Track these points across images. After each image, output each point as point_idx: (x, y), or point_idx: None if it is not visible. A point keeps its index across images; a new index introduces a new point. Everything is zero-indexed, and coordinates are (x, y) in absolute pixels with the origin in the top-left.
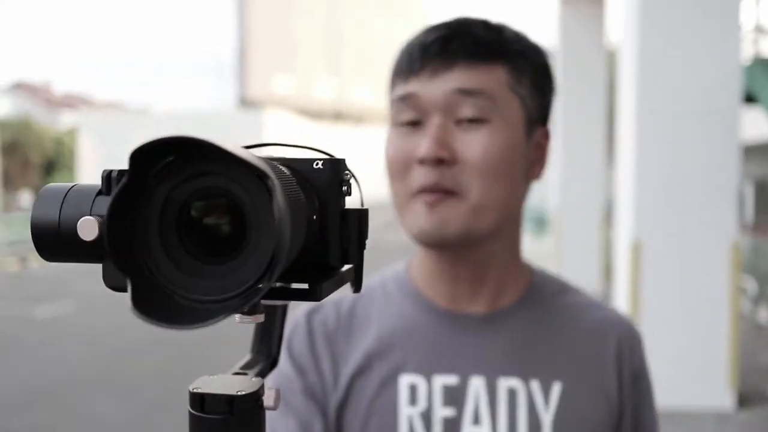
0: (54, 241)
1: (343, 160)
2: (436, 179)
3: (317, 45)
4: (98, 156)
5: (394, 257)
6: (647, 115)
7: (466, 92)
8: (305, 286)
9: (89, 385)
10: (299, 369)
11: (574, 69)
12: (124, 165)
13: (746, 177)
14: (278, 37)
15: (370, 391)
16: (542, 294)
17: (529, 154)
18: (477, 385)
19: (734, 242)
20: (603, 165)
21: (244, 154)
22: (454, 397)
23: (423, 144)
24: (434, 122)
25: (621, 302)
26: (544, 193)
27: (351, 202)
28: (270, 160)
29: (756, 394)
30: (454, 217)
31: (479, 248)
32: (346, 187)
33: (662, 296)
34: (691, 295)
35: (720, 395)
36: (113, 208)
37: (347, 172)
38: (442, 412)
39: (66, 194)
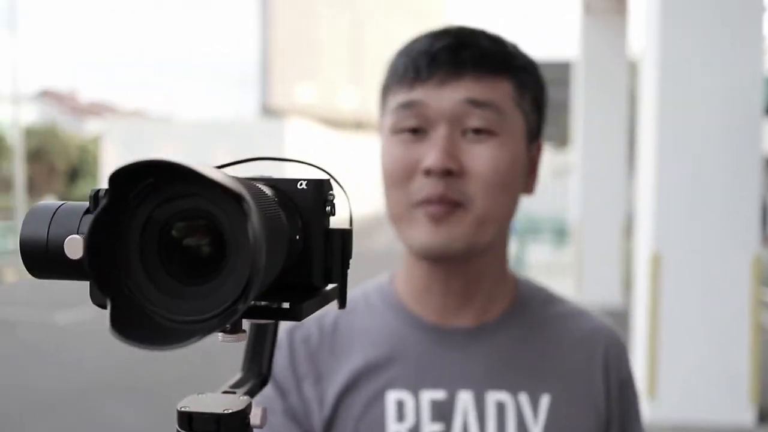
0: (42, 258)
1: (328, 180)
2: (443, 190)
3: (340, 54)
4: (121, 163)
5: None
6: (668, 126)
7: (475, 103)
8: (288, 304)
9: (109, 391)
10: (280, 390)
11: (596, 79)
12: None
13: None
14: (301, 46)
15: (357, 408)
16: (529, 305)
17: (526, 168)
18: (465, 399)
19: (756, 255)
20: (624, 176)
21: (220, 177)
22: (443, 412)
23: (431, 154)
24: (441, 132)
25: (640, 315)
26: (565, 204)
27: (338, 221)
28: (253, 180)
29: None
30: (460, 231)
31: (474, 261)
32: (329, 207)
33: (682, 309)
34: (711, 309)
35: (741, 411)
36: (93, 229)
37: (331, 192)
38: (430, 428)
39: (54, 213)
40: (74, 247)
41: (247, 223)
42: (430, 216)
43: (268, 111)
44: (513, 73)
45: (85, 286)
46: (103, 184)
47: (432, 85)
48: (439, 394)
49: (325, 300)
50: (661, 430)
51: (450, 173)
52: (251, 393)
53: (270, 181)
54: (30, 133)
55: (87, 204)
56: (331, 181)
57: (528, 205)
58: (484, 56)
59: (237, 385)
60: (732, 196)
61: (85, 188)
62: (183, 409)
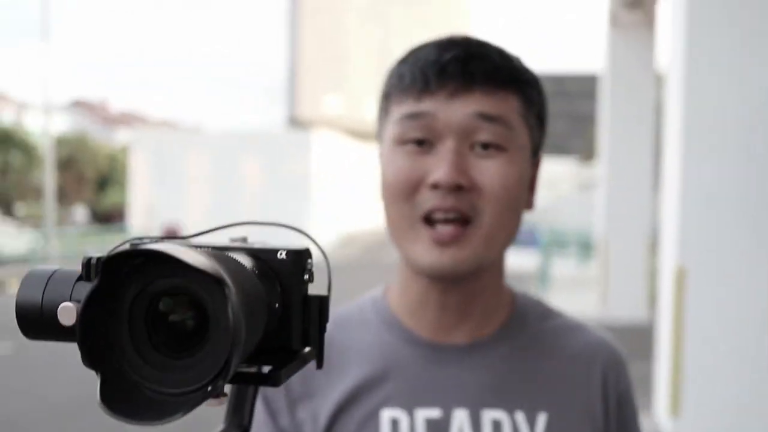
0: (37, 322)
1: (307, 250)
2: (453, 204)
3: (368, 66)
4: (149, 173)
5: None
6: (693, 139)
7: (485, 117)
8: (267, 368)
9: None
10: (271, 412)
11: (622, 92)
12: (174, 183)
13: None
14: (329, 58)
15: (351, 427)
16: (525, 321)
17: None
18: (461, 417)
19: None
20: (650, 190)
21: (203, 262)
22: (438, 430)
23: (440, 168)
24: (449, 146)
25: (664, 330)
26: (591, 218)
27: (315, 287)
28: (235, 250)
29: None
30: (470, 251)
31: (472, 277)
32: (308, 276)
33: (707, 324)
34: (738, 323)
35: None
36: (85, 308)
37: (310, 261)
38: None
39: (48, 279)
40: (67, 314)
41: (228, 305)
42: (435, 241)
43: (296, 122)
44: (520, 87)
45: None
46: (132, 193)
47: (441, 97)
48: (434, 413)
49: (303, 362)
50: None
51: (459, 188)
52: None
53: (251, 251)
54: (61, 142)
55: (79, 271)
56: (310, 238)
57: (553, 219)
58: (494, 69)
59: None
60: (759, 209)
61: (113, 197)
62: None
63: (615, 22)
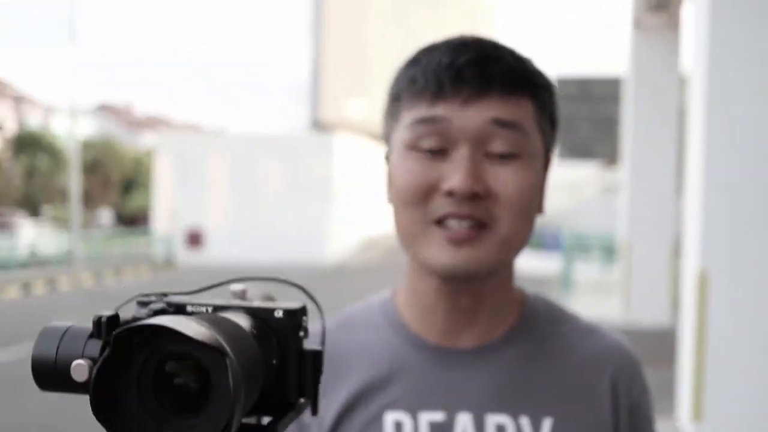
0: (51, 377)
1: (302, 308)
2: (469, 211)
3: (391, 69)
4: (173, 176)
5: None
6: (716, 142)
7: (501, 123)
8: (266, 419)
9: None
10: None
11: (646, 96)
12: (198, 185)
13: None
14: (352, 61)
15: (356, 428)
16: (534, 324)
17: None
18: (464, 421)
19: None
20: (674, 194)
21: (206, 335)
22: None
23: (455, 176)
24: (465, 153)
25: (686, 335)
26: (614, 221)
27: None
28: (235, 309)
29: None
30: (485, 253)
31: (482, 280)
32: (303, 332)
33: (730, 328)
34: (760, 329)
35: None
36: (98, 376)
37: (305, 318)
38: None
39: (62, 336)
40: (80, 371)
41: (228, 373)
42: (450, 240)
43: (319, 125)
44: (535, 91)
45: (132, 296)
46: (156, 196)
47: (456, 102)
48: (438, 416)
49: (299, 412)
50: None
51: (475, 196)
52: None
53: (250, 310)
54: (87, 145)
55: (91, 328)
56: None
57: (576, 223)
58: (509, 74)
59: None
60: None
61: (138, 200)
62: None
63: (639, 24)
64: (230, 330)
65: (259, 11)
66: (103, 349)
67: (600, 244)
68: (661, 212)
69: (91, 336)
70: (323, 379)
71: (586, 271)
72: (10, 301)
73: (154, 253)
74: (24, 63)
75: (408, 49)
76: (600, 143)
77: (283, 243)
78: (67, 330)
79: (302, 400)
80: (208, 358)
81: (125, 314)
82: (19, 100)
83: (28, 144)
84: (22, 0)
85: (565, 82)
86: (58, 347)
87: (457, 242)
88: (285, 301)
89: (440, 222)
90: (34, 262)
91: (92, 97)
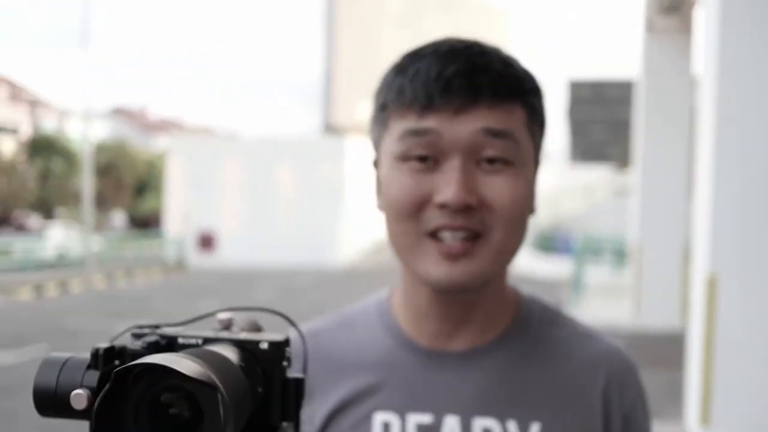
0: (51, 404)
1: (286, 340)
2: (463, 223)
3: None
4: (185, 179)
5: None
6: (725, 145)
7: (492, 133)
8: None
9: None
10: None
11: (658, 99)
12: (210, 189)
13: None
14: (364, 65)
15: (345, 428)
16: (527, 327)
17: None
18: (451, 424)
19: None
20: (685, 198)
21: (198, 371)
22: None
23: (448, 188)
24: (456, 164)
25: (695, 338)
26: (625, 225)
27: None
28: (223, 341)
29: None
30: (479, 265)
31: (478, 289)
32: (286, 362)
33: (739, 332)
34: None
35: None
36: (98, 411)
37: (288, 349)
38: None
39: (62, 366)
40: (79, 400)
41: (219, 405)
42: (444, 253)
43: (331, 129)
44: (525, 98)
45: (142, 297)
46: (168, 199)
47: (446, 113)
48: (426, 418)
49: None
50: None
51: (468, 208)
52: None
53: (238, 342)
54: (101, 148)
55: (88, 359)
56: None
57: (588, 226)
58: (499, 82)
59: None
60: None
61: (151, 203)
62: None
63: (651, 27)
64: (220, 364)
65: (272, 16)
66: (100, 380)
67: (611, 247)
68: (672, 216)
69: (89, 367)
70: (318, 378)
71: (597, 274)
72: (23, 303)
73: (166, 256)
74: (39, 67)
75: None
76: (613, 146)
77: (295, 246)
78: (66, 361)
79: (285, 423)
80: (200, 392)
81: (120, 344)
82: (34, 104)
83: (42, 147)
84: (37, 5)
85: (578, 86)
86: (58, 377)
87: (452, 256)
88: (271, 332)
89: (433, 234)
90: (62, 263)
91: (107, 100)
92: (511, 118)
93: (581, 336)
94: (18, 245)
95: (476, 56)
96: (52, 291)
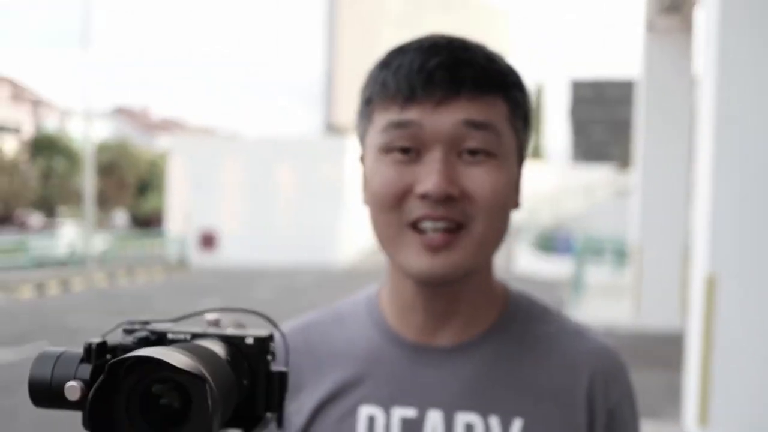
0: (46, 396)
1: (270, 335)
2: (444, 213)
3: None
4: (187, 179)
5: None
6: (725, 145)
7: (473, 125)
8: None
9: None
10: None
11: (658, 99)
12: (211, 188)
13: None
14: (366, 65)
15: (331, 421)
16: (513, 323)
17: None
18: (434, 419)
19: None
20: (685, 198)
21: (188, 363)
22: (412, 430)
23: (429, 179)
24: (437, 155)
25: (694, 339)
26: (626, 225)
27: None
28: (210, 337)
29: None
30: (461, 256)
31: (461, 281)
32: (270, 357)
33: (738, 332)
34: None
35: None
36: (92, 402)
37: (272, 344)
38: None
39: (57, 360)
40: (73, 392)
41: (207, 397)
42: (426, 245)
43: (332, 128)
44: (507, 91)
45: (143, 296)
46: (170, 198)
47: (428, 105)
48: (410, 412)
49: (266, 425)
50: None
51: (449, 198)
52: None
53: (224, 338)
54: (103, 148)
55: (81, 353)
56: (271, 323)
57: (589, 226)
58: (481, 75)
59: None
60: None
61: (153, 202)
62: None
63: (651, 27)
64: (208, 358)
65: (273, 16)
66: (93, 373)
67: (612, 247)
68: (672, 216)
69: (82, 360)
70: (307, 371)
71: (598, 274)
72: (24, 301)
73: (168, 255)
74: (41, 67)
75: None
76: (614, 146)
77: (296, 245)
78: (60, 355)
79: (269, 414)
80: (190, 383)
81: (112, 340)
82: (36, 103)
83: (44, 146)
84: (38, 5)
85: (580, 85)
86: (53, 370)
87: (433, 248)
88: (255, 328)
89: (415, 224)
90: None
91: (109, 100)
92: (493, 111)
93: (569, 333)
94: (32, 243)
95: (459, 50)
96: (53, 289)
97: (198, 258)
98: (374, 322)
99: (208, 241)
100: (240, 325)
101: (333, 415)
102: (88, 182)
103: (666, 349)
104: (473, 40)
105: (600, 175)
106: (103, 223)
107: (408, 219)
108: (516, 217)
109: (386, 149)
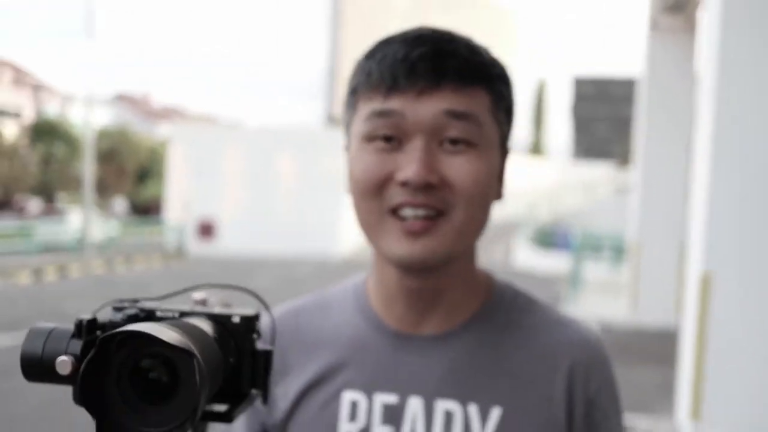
0: (38, 370)
1: (256, 315)
2: (422, 200)
3: None
4: (186, 167)
5: None
6: (723, 143)
7: (454, 115)
8: (222, 408)
9: None
10: None
11: (660, 98)
12: (211, 177)
13: None
14: None
15: (316, 405)
16: (496, 313)
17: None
18: (415, 405)
19: None
20: (685, 197)
21: (177, 339)
22: (393, 416)
23: (409, 167)
24: (418, 144)
25: (688, 335)
26: (626, 222)
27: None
28: (198, 315)
29: None
30: (440, 242)
31: (443, 269)
32: (256, 334)
33: (730, 330)
34: (762, 330)
35: None
36: (84, 372)
37: (257, 323)
38: (380, 431)
39: (48, 335)
40: (64, 366)
41: (195, 372)
42: (406, 231)
43: (333, 120)
44: (490, 82)
45: (141, 283)
46: (169, 186)
47: (410, 95)
48: (392, 398)
49: (251, 401)
50: None
51: (429, 186)
52: None
53: (212, 316)
54: (103, 134)
55: (72, 329)
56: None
57: (589, 222)
58: (463, 66)
59: None
60: None
61: (153, 189)
62: None
63: (655, 25)
64: (196, 334)
65: (277, 6)
66: (84, 348)
67: (611, 244)
68: (671, 214)
69: (73, 336)
70: (294, 355)
71: (596, 270)
72: (22, 287)
73: (166, 243)
74: (43, 52)
75: None
76: (615, 144)
77: (295, 236)
78: (52, 330)
79: (254, 391)
80: (178, 358)
81: (102, 317)
82: (37, 88)
83: (45, 132)
84: None
85: (583, 83)
86: (44, 345)
87: (413, 234)
88: (242, 306)
89: (395, 211)
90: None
91: (111, 87)
92: (474, 102)
93: (553, 323)
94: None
95: (443, 42)
96: (51, 275)
97: (196, 247)
98: (360, 310)
99: (206, 230)
100: (227, 305)
101: (318, 399)
102: (88, 168)
103: (661, 346)
104: (460, 34)
105: (601, 172)
106: (102, 210)
107: (389, 205)
108: (515, 212)
109: (369, 138)
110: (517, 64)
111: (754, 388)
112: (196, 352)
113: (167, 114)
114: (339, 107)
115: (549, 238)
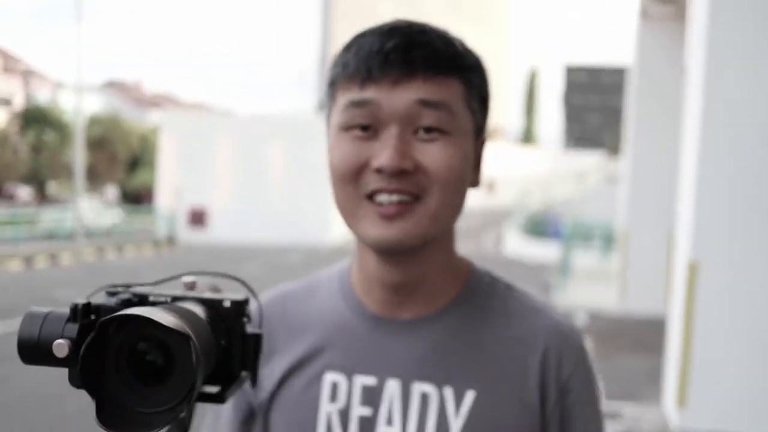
0: (34, 353)
1: (246, 299)
2: (397, 186)
3: None
4: (178, 154)
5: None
6: (711, 133)
7: (427, 104)
8: (214, 389)
9: None
10: None
11: (649, 87)
12: (203, 165)
13: None
14: None
15: (299, 385)
16: (474, 298)
17: (473, 163)
18: (392, 387)
19: None
20: (674, 186)
21: (173, 322)
22: (371, 397)
23: (383, 154)
24: (393, 132)
25: (675, 323)
26: (614, 212)
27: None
28: (191, 300)
29: None
30: (414, 225)
31: (420, 254)
32: (246, 318)
33: (717, 318)
34: (747, 319)
35: None
36: (83, 358)
37: (247, 307)
38: (359, 411)
39: (44, 319)
40: (60, 349)
41: (192, 354)
42: (381, 214)
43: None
44: (462, 72)
45: (132, 270)
46: (160, 174)
47: (384, 85)
48: (370, 380)
49: (242, 382)
50: None
51: (403, 173)
52: None
53: (204, 301)
54: (94, 121)
55: (67, 313)
56: (246, 287)
57: (580, 211)
58: (435, 56)
59: None
60: None
61: (144, 177)
62: None
63: (645, 14)
64: (191, 318)
65: (269, 3)
66: (81, 331)
67: (601, 233)
68: (660, 203)
69: (69, 320)
70: (280, 337)
71: (586, 259)
72: (13, 274)
73: (157, 231)
74: (34, 39)
75: None
76: (607, 133)
77: (286, 224)
78: (47, 314)
79: (244, 373)
80: (174, 341)
81: (96, 301)
82: (28, 74)
83: (35, 119)
84: None
85: (574, 71)
86: (40, 328)
87: (388, 217)
88: (232, 292)
89: (371, 197)
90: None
91: (102, 74)
92: (447, 91)
93: (529, 309)
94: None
95: (416, 34)
96: (41, 263)
97: (187, 235)
98: (343, 294)
99: (197, 218)
100: (216, 289)
101: (301, 380)
102: (79, 156)
103: (650, 334)
104: (434, 26)
105: (592, 161)
106: (93, 197)
107: (365, 191)
108: (506, 200)
109: (347, 127)
110: (510, 53)
111: (738, 376)
112: (191, 334)
113: (159, 101)
114: None
115: (539, 227)
